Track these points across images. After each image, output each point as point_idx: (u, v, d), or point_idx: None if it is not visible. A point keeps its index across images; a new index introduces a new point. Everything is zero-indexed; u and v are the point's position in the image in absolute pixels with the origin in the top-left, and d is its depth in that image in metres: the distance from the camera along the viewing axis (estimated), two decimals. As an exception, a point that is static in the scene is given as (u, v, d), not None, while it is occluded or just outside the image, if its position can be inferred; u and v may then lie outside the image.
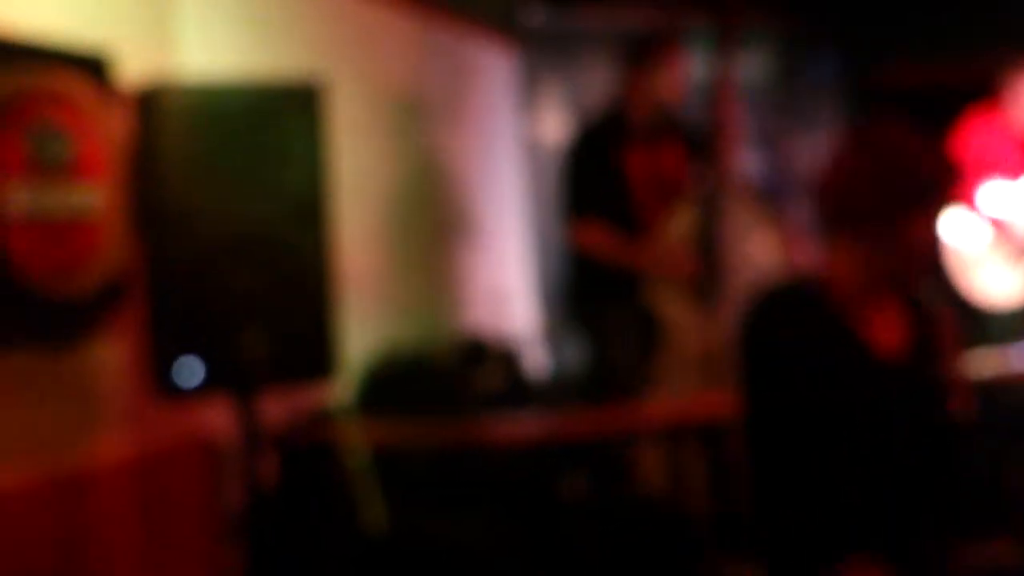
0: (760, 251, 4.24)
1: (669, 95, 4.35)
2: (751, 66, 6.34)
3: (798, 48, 7.03)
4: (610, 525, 4.12)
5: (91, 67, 2.91)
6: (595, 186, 4.33)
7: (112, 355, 2.98)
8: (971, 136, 5.47)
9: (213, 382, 2.68)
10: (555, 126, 6.20)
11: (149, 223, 2.75)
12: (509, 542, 3.83)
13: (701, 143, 4.37)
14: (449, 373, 4.21)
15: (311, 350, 2.75)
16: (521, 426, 3.94)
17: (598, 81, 6.35)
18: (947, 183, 2.28)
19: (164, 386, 2.73)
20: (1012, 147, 5.55)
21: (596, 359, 4.33)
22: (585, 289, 4.44)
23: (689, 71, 4.46)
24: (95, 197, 2.88)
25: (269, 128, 2.67)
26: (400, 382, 4.05)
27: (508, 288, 5.69)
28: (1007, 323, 5.43)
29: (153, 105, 2.72)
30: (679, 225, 4.26)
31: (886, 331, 2.33)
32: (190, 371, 2.66)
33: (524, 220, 5.96)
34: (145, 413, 3.00)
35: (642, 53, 4.35)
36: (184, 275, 2.70)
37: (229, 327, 2.66)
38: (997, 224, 5.40)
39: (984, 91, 5.65)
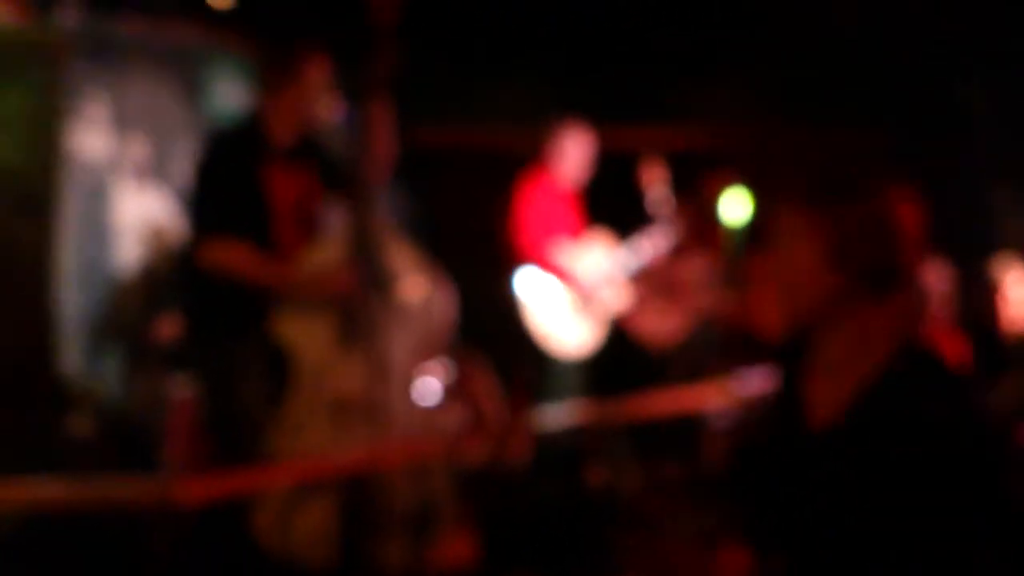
0: (413, 293, 3.94)
1: (309, 115, 3.96)
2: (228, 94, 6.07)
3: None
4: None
5: None
6: (231, 201, 3.78)
7: None
8: (528, 197, 5.65)
9: None
10: (100, 141, 5.52)
11: None
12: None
13: (342, 173, 4.01)
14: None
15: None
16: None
17: (145, 93, 5.78)
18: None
19: None
20: (564, 205, 5.78)
21: (217, 401, 3.80)
22: (205, 321, 3.88)
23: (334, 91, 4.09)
24: None
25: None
26: None
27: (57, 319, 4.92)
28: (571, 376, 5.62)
29: None
30: (322, 259, 3.85)
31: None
32: None
33: (67, 243, 5.20)
34: None
35: (284, 67, 3.90)
36: None
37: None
38: (564, 278, 5.57)
39: (529, 155, 5.91)
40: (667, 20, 6.58)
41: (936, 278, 4.04)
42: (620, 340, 5.92)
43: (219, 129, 4.19)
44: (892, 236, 1.99)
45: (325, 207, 4.03)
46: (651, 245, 5.82)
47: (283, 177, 3.90)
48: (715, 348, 5.90)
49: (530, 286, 5.53)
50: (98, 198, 5.49)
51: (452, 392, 5.97)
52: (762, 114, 7.36)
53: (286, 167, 3.91)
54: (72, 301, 5.21)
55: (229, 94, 5.94)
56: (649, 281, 5.87)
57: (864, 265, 1.99)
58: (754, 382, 5.03)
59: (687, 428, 5.31)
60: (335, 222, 3.98)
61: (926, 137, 7.25)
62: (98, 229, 5.47)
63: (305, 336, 3.84)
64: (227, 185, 3.80)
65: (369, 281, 3.82)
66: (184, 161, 5.48)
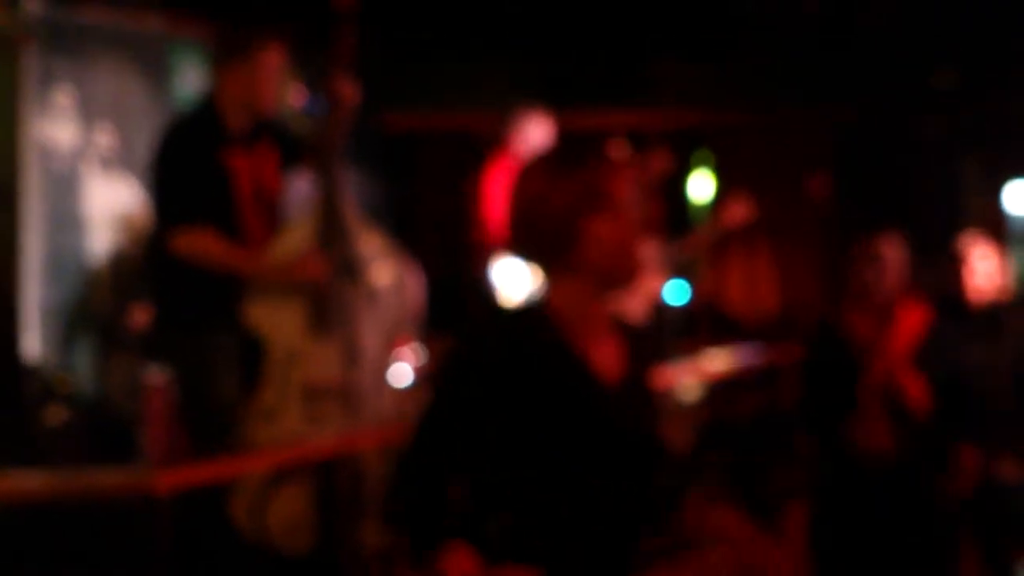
0: (383, 279, 3.95)
1: (264, 97, 3.94)
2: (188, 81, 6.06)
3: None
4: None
5: None
6: (194, 187, 3.74)
7: None
8: (494, 181, 5.65)
9: None
10: (66, 130, 5.52)
11: None
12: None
13: (302, 155, 4.02)
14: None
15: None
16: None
17: (111, 82, 5.76)
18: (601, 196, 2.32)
19: None
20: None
21: (191, 390, 3.80)
22: (177, 310, 3.86)
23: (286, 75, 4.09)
24: None
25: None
26: None
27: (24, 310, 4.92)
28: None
29: None
30: (292, 245, 3.85)
31: (604, 356, 2.34)
32: None
33: (37, 233, 5.19)
34: None
35: (236, 47, 3.88)
36: None
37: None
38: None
39: (493, 139, 5.93)
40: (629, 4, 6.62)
41: (891, 249, 4.15)
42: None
43: (177, 116, 4.16)
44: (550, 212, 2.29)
45: (286, 189, 4.03)
46: None
47: (243, 161, 3.88)
48: (673, 329, 5.91)
49: (499, 268, 5.56)
50: (66, 187, 5.48)
51: (424, 375, 5.99)
52: (728, 93, 7.42)
53: (245, 151, 3.89)
54: (43, 291, 5.22)
55: (194, 81, 5.93)
56: None
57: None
58: (724, 359, 5.08)
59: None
60: (300, 205, 3.99)
61: (897, 116, 7.33)
62: (67, 219, 5.46)
63: (276, 323, 3.85)
64: (189, 171, 3.76)
65: (339, 266, 3.83)
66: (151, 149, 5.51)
